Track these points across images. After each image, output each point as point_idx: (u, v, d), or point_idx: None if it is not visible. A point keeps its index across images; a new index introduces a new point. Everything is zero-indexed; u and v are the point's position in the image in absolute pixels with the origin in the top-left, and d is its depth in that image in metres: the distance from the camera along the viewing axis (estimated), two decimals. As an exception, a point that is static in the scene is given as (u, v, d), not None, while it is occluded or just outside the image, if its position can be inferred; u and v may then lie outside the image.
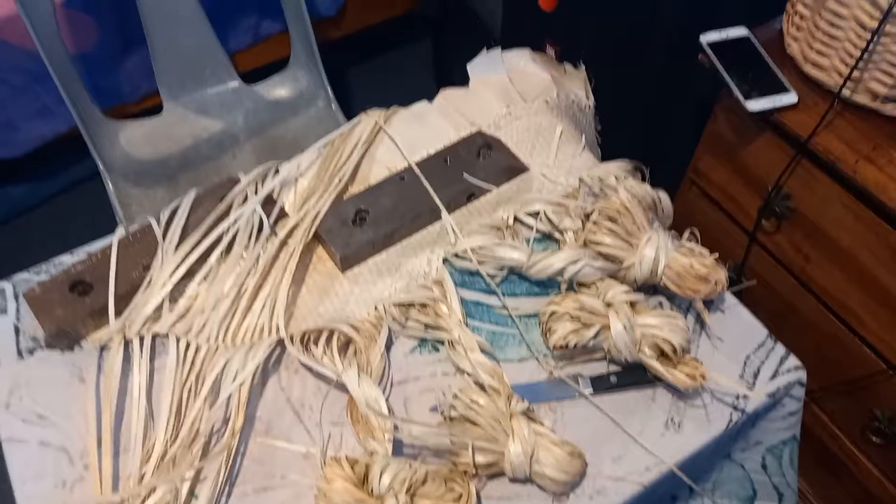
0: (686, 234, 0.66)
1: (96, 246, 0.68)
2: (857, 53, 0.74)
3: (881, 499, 0.93)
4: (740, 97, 0.82)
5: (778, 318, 0.96)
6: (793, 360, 0.63)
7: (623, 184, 0.69)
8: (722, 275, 0.62)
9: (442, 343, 0.63)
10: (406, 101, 0.83)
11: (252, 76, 1.26)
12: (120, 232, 0.66)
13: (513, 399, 0.55)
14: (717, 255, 0.64)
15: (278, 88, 1.23)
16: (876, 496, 0.94)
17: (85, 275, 0.62)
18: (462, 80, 0.85)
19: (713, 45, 0.86)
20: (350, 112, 1.04)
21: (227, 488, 0.54)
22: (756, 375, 0.62)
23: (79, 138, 1.05)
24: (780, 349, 0.64)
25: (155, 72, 1.16)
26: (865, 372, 0.86)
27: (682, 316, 0.61)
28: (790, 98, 0.81)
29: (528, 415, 0.55)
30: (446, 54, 1.66)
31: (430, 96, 0.84)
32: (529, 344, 0.63)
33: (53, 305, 0.61)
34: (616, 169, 0.73)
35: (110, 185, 1.04)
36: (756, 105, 0.81)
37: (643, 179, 0.72)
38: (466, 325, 0.62)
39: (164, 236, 0.65)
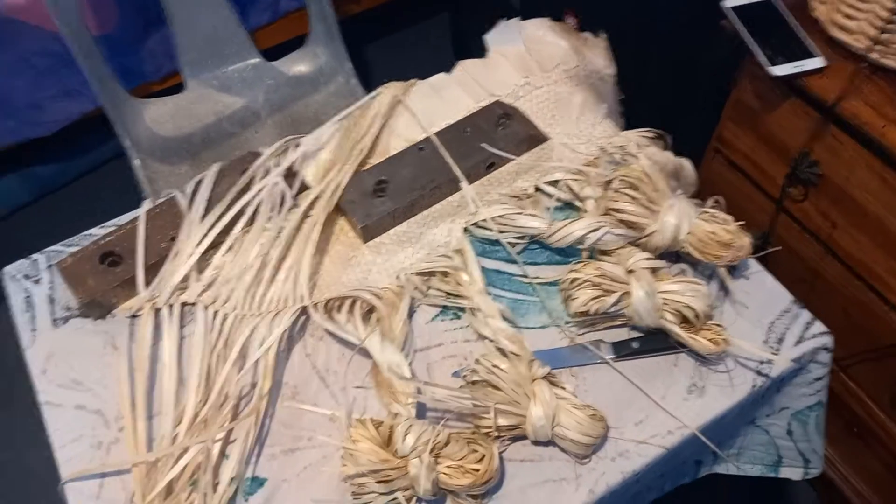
0: (709, 202, 0.66)
1: (124, 219, 0.69)
2: (886, 15, 0.73)
3: (909, 466, 0.93)
4: (765, 62, 0.80)
5: (804, 286, 0.95)
6: (818, 326, 0.63)
7: (644, 151, 0.68)
8: (746, 241, 0.62)
9: (463, 310, 0.63)
10: (425, 75, 0.83)
11: (272, 53, 1.26)
12: (147, 204, 0.67)
13: (534, 364, 0.56)
14: (741, 222, 0.63)
15: (298, 65, 1.23)
16: (905, 463, 0.93)
17: (114, 246, 0.64)
18: (481, 53, 0.85)
19: (736, 10, 0.84)
20: (370, 87, 1.03)
21: (256, 449, 0.55)
22: (781, 341, 0.62)
23: (105, 118, 1.06)
24: (806, 315, 0.63)
25: (176, 51, 1.17)
26: (894, 338, 0.84)
27: (704, 282, 0.60)
28: (816, 62, 0.79)
29: (550, 379, 0.56)
30: (465, 27, 1.64)
31: (450, 70, 0.83)
32: (550, 311, 0.64)
33: (85, 276, 0.62)
34: (637, 137, 0.72)
35: (137, 162, 1.06)
36: (781, 70, 0.79)
37: (665, 148, 0.71)
38: (487, 293, 0.63)
39: (189, 208, 0.66)
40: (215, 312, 0.61)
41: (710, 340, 0.58)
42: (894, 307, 0.84)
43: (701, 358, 0.61)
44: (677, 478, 0.68)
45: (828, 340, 0.62)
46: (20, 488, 1.20)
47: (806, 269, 0.94)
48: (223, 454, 0.54)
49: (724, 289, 0.65)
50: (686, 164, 0.70)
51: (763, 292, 0.65)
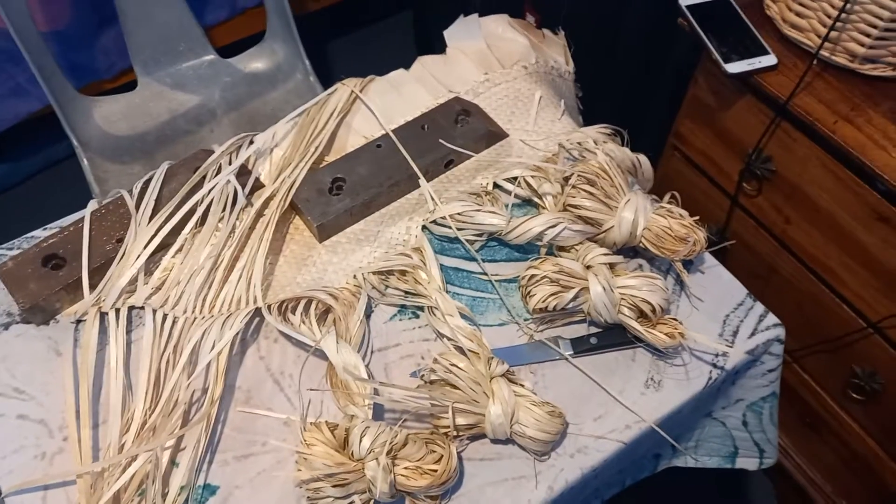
0: (666, 197, 0.66)
1: (68, 220, 0.67)
2: (836, 13, 0.74)
3: (862, 454, 0.95)
4: (720, 60, 0.81)
5: (759, 280, 0.96)
6: (771, 318, 0.64)
7: (602, 147, 0.68)
8: (701, 235, 0.62)
9: (422, 309, 0.63)
10: (386, 72, 0.82)
11: (229, 50, 1.23)
12: (92, 205, 0.65)
13: (493, 362, 0.55)
14: (697, 217, 0.63)
15: (255, 62, 1.21)
16: (857, 452, 0.96)
17: (58, 248, 0.62)
18: (443, 51, 0.84)
19: (692, 8, 0.85)
20: (329, 85, 1.02)
21: (207, 456, 0.54)
22: (735, 334, 0.63)
23: (56, 116, 1.03)
24: (759, 307, 0.64)
25: (128, 47, 1.14)
26: (845, 330, 0.86)
27: (661, 277, 0.61)
28: (769, 60, 0.81)
29: (508, 377, 0.56)
30: (427, 25, 1.64)
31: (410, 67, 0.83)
32: (509, 308, 0.63)
33: (27, 280, 0.60)
34: (595, 133, 0.72)
35: (85, 161, 1.02)
36: (735, 68, 0.81)
37: (624, 144, 0.71)
38: (446, 291, 0.62)
39: (136, 209, 0.64)
40: (164, 316, 0.59)
41: (666, 334, 0.59)
42: (845, 300, 0.86)
43: (658, 352, 0.61)
44: (637, 472, 0.68)
45: (780, 332, 0.63)
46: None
47: (761, 263, 0.95)
48: (173, 462, 0.52)
49: (680, 283, 0.66)
50: (643, 160, 0.71)
51: (719, 286, 0.66)
